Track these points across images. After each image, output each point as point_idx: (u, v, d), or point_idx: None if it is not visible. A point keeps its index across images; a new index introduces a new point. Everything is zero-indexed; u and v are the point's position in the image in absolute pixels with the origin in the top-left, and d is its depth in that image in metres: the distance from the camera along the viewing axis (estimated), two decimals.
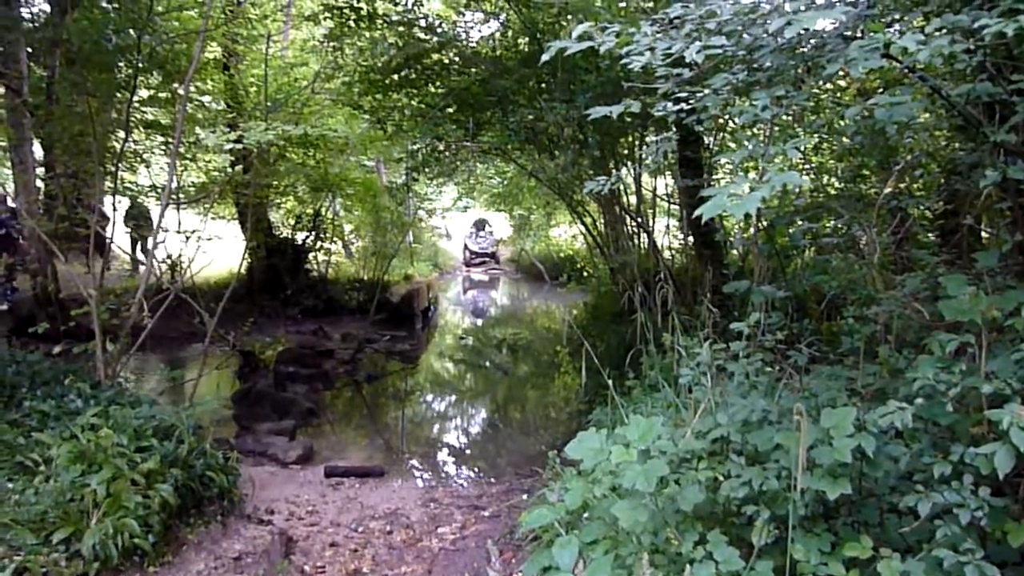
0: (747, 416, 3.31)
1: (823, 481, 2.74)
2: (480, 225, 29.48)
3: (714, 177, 8.60)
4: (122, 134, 8.40)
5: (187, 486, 5.12)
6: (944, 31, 2.55)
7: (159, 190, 11.94)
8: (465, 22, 10.31)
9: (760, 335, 3.92)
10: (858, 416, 2.77)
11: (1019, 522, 2.56)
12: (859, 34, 2.93)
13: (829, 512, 2.99)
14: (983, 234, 5.31)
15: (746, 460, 3.14)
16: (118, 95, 9.35)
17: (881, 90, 4.83)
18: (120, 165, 9.24)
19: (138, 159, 12.51)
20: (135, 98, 9.20)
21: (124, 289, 9.19)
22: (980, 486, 2.54)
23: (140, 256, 13.75)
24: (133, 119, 9.80)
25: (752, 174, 5.26)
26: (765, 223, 5.86)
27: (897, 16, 2.96)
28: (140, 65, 8.42)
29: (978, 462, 2.48)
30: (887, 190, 4.53)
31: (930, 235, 5.97)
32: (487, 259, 28.49)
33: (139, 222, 13.51)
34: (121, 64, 8.88)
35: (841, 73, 2.99)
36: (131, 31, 7.95)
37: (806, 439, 2.76)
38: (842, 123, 4.38)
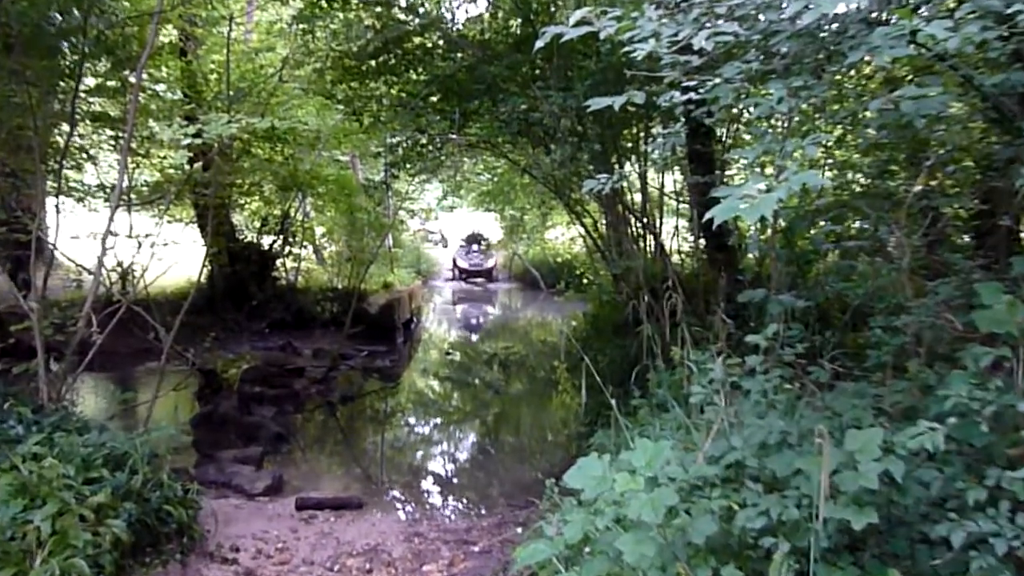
0: (764, 439, 3.36)
1: (848, 510, 2.78)
2: (473, 239, 28.81)
3: (727, 173, 8.66)
4: (67, 128, 8.41)
5: (142, 521, 5.12)
6: (975, 16, 2.61)
7: (108, 190, 11.94)
8: (450, 2, 10.39)
9: (778, 348, 3.97)
10: (885, 438, 2.82)
11: None
12: (884, 19, 2.99)
13: (854, 543, 3.03)
14: (1023, 236, 5.38)
15: (763, 487, 3.18)
16: (62, 84, 9.34)
17: (909, 79, 4.91)
18: (64, 162, 9.25)
19: (84, 156, 12.50)
20: (81, 87, 9.20)
21: (70, 301, 9.20)
22: (1017, 512, 2.59)
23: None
24: (79, 111, 9.79)
25: (768, 171, 5.32)
26: (783, 225, 5.93)
27: None
28: (87, 50, 8.41)
29: (1015, 487, 2.53)
30: (917, 187, 4.59)
31: (964, 237, 6.04)
32: (479, 279, 27.89)
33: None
34: (65, 49, 8.90)
35: (866, 60, 3.06)
36: (76, 12, 7.96)
37: (829, 464, 2.80)
38: (867, 115, 4.44)
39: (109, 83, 11.05)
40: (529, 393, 12.91)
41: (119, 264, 9.37)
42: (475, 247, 28.47)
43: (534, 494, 6.15)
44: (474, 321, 21.66)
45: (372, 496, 7.56)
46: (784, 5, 2.98)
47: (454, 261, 28.40)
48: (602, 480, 3.14)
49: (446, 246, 32.48)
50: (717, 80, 3.27)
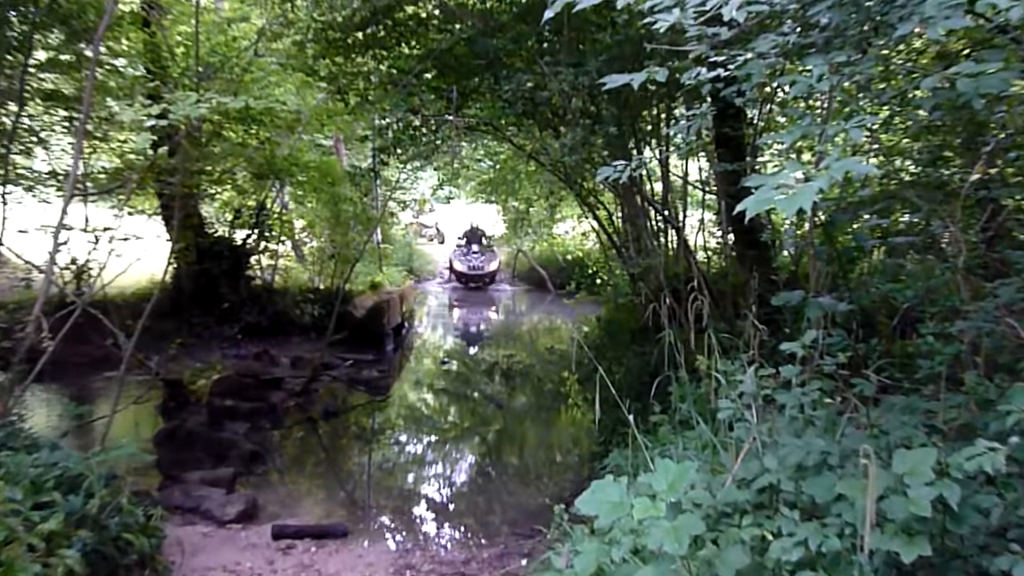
0: (801, 460, 3.35)
1: (896, 540, 2.77)
2: (473, 236, 27.62)
3: (759, 160, 8.66)
4: (14, 107, 8.42)
5: (99, 551, 5.12)
6: None
7: (61, 178, 11.96)
8: None
9: (817, 358, 3.96)
10: (939, 459, 2.81)
11: None
12: None
13: None
14: None
15: (800, 514, 3.18)
16: (9, 58, 9.37)
17: (966, 53, 4.90)
18: (12, 146, 9.26)
19: (35, 139, 12.52)
20: (31, 62, 9.22)
21: (18, 303, 9.21)
22: None
23: None
24: (28, 88, 9.82)
25: (807, 157, 5.33)
26: (823, 218, 5.92)
27: None
28: (37, 20, 8.44)
29: None
30: (974, 176, 4.59)
31: None
32: (480, 283, 26.57)
33: None
34: (13, 19, 8.91)
35: (917, 32, 3.05)
36: None
37: (875, 488, 2.80)
38: (918, 94, 4.44)
39: (63, 57, 11.07)
40: (535, 408, 12.90)
41: (73, 261, 9.41)
42: (475, 247, 27.28)
43: (541, 522, 6.16)
44: (474, 328, 21.64)
45: (358, 523, 7.56)
46: None
47: (450, 263, 27.26)
48: (618, 505, 3.14)
49: (442, 242, 32.30)
50: (749, 55, 3.27)
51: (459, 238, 28.07)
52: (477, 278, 26.36)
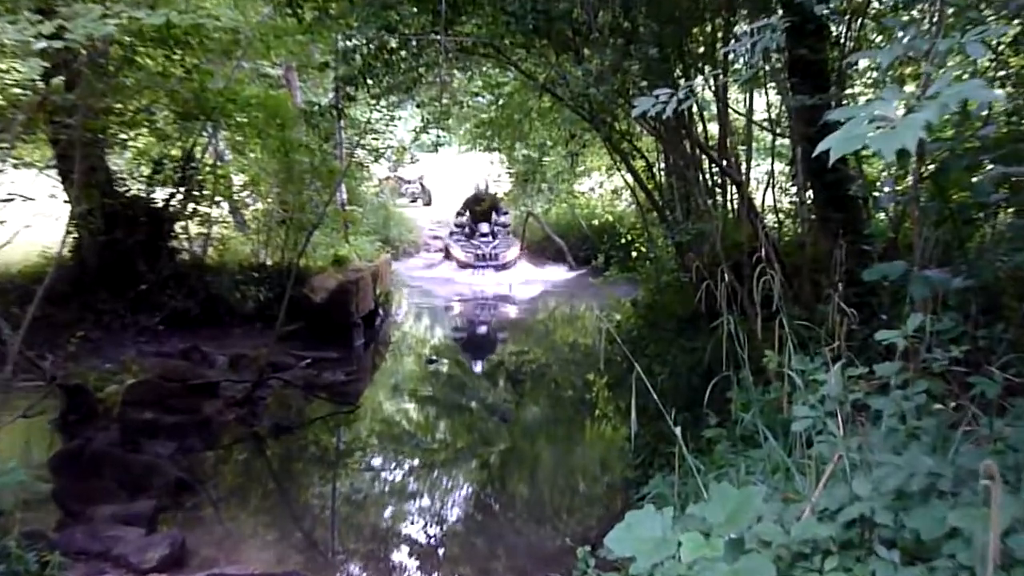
0: (903, 484, 3.36)
1: None
2: (475, 205, 25.82)
3: (847, 92, 8.63)
4: None
5: None
6: None
7: None
8: None
9: (924, 351, 3.96)
10: None
11: None
12: None
13: None
14: None
15: (901, 555, 3.19)
16: None
17: None
18: None
19: None
20: None
21: None
22: None
23: None
24: None
25: (910, 88, 5.33)
26: (932, 166, 5.91)
27: None
28: None
29: None
30: None
31: None
32: (493, 269, 24.70)
33: None
34: None
35: None
36: None
37: (999, 520, 2.80)
38: None
39: None
40: (551, 421, 12.93)
41: None
42: (483, 226, 25.39)
43: (560, 567, 6.19)
44: (472, 319, 21.53)
45: (319, 572, 7.60)
46: None
47: (447, 249, 25.74)
48: (662, 543, 3.15)
49: (428, 203, 32.11)
50: None
51: (459, 212, 26.35)
52: (486, 266, 24.65)
